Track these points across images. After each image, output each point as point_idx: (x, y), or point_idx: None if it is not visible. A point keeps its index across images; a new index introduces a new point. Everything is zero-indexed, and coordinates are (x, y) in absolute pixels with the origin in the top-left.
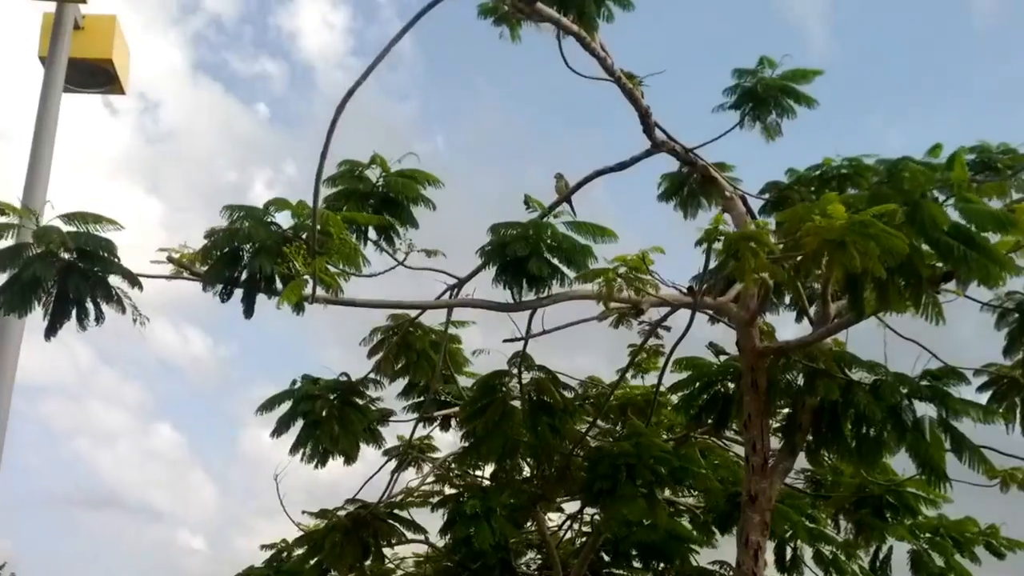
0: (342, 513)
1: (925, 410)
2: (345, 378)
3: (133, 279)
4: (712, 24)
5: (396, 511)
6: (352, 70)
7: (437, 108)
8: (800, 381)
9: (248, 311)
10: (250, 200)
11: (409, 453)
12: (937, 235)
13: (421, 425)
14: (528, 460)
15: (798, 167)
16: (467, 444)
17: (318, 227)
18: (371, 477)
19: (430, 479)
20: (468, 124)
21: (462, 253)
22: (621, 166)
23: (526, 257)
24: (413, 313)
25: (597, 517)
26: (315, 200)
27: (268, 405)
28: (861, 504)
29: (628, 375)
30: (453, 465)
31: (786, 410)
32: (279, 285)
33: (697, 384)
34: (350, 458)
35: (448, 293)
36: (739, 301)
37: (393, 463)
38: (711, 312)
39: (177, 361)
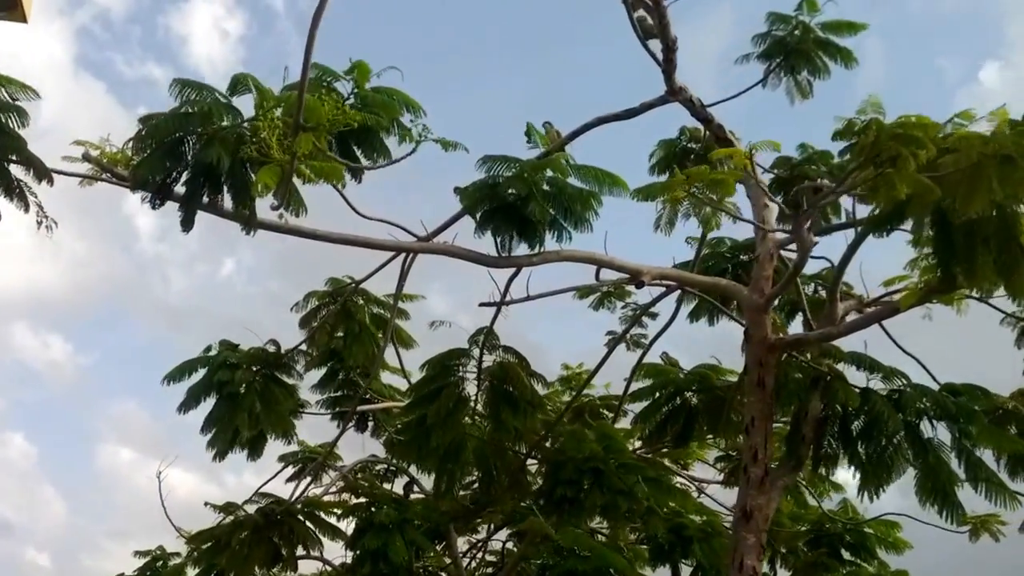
0: (251, 509)
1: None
2: (273, 347)
3: (41, 170)
4: None
5: (316, 511)
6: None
7: None
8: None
9: (187, 221)
10: (124, 211)
11: (313, 458)
12: None
13: (335, 425)
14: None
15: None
16: (411, 434)
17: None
18: (266, 482)
19: (335, 488)
20: None
21: None
22: (628, 114)
23: (523, 200)
24: (363, 262)
25: (511, 545)
26: (307, 52)
27: (177, 374)
28: (817, 543)
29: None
30: (359, 476)
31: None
32: (227, 198)
33: (659, 394)
34: (258, 447)
35: (407, 256)
36: (751, 282)
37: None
38: (702, 294)
39: (34, 366)
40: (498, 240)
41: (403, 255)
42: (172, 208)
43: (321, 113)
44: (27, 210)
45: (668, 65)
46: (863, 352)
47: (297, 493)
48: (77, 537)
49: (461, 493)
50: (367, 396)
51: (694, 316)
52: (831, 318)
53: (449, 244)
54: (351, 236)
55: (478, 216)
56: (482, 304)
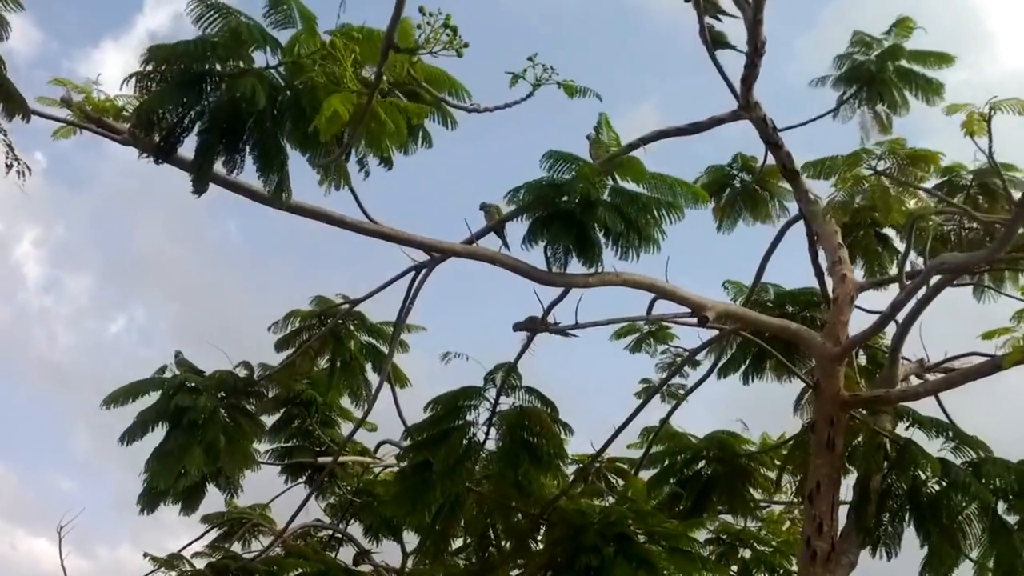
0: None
1: None
2: (245, 371)
3: (18, 102)
4: None
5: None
6: None
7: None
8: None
9: (201, 180)
10: (15, 260)
11: (242, 520)
12: None
13: (284, 480)
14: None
15: None
16: (406, 484)
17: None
18: (188, 545)
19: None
20: (265, 214)
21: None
22: (695, 128)
23: (587, 206)
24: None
25: None
26: None
27: (121, 396)
28: None
29: None
30: (300, 542)
31: None
32: (248, 158)
33: (669, 461)
34: (194, 500)
35: (417, 272)
36: (825, 327)
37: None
38: (761, 342)
39: None
40: (551, 254)
41: (412, 272)
42: (64, 256)
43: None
44: None
45: (750, 72)
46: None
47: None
48: None
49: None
50: (324, 449)
51: (723, 372)
52: (891, 380)
53: (499, 252)
54: (385, 228)
55: (529, 223)
56: (518, 326)
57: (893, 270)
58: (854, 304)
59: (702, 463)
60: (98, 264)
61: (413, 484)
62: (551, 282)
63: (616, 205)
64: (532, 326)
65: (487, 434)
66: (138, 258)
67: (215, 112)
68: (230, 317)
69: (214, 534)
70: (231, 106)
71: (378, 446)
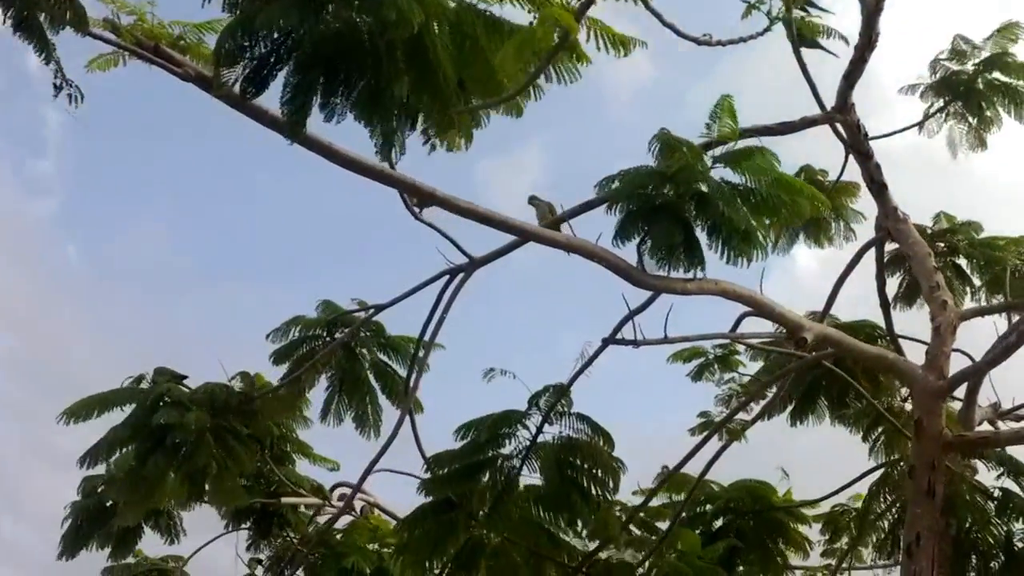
0: None
1: None
2: (241, 384)
3: (76, 13)
4: None
5: None
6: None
7: (81, 214)
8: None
9: (299, 124)
10: None
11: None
12: None
13: (226, 525)
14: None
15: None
16: (425, 526)
17: None
18: None
19: None
20: (116, 242)
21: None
22: (784, 128)
23: (702, 200)
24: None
25: None
26: None
27: (83, 410)
28: None
29: None
30: None
31: None
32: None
33: (687, 513)
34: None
35: (451, 277)
36: (926, 359)
37: None
38: (843, 373)
39: None
40: (647, 252)
41: (446, 276)
42: None
43: None
44: (48, 61)
45: (855, 68)
46: None
47: None
48: None
49: None
50: (275, 489)
51: (768, 413)
52: (967, 423)
53: (594, 244)
54: (483, 210)
55: (623, 216)
56: (608, 340)
57: (967, 303)
58: (956, 334)
59: (729, 516)
60: None
61: (435, 526)
62: (647, 284)
63: (731, 200)
64: (618, 339)
65: (520, 470)
66: None
67: (322, 42)
68: (68, 352)
69: None
70: (343, 36)
71: (333, 488)
